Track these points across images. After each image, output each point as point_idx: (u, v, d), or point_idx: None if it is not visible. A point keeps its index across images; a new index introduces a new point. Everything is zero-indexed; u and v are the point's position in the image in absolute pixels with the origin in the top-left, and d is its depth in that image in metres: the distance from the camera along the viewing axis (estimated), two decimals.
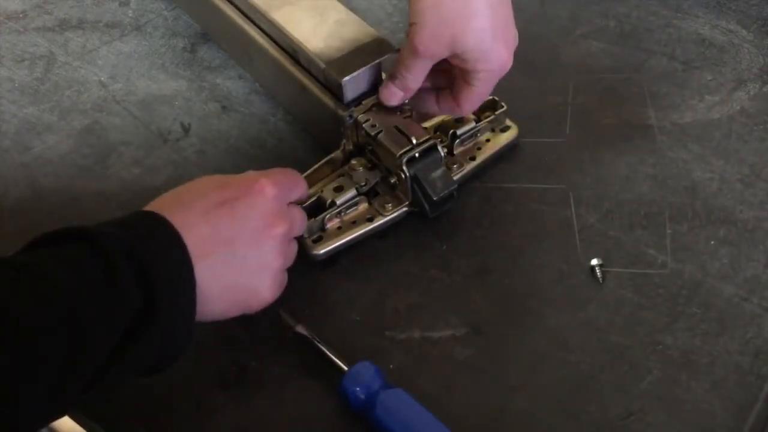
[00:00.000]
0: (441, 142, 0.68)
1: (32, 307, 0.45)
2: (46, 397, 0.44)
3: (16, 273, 0.46)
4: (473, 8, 0.59)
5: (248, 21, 0.76)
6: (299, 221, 0.61)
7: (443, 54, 0.61)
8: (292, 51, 0.72)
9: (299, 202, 0.63)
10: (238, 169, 0.60)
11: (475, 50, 0.61)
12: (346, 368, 0.58)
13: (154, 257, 0.49)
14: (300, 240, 0.64)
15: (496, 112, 0.73)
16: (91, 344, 0.46)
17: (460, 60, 0.62)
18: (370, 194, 0.69)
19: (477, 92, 0.64)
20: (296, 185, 0.61)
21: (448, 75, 0.65)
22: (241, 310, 0.57)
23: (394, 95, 0.65)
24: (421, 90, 0.66)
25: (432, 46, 0.61)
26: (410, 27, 0.60)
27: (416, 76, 0.64)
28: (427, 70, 0.63)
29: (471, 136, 0.72)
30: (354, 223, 0.67)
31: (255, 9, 0.73)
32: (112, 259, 0.48)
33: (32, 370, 0.43)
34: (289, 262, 0.60)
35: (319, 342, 0.60)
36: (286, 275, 0.60)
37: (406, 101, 0.67)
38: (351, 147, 0.70)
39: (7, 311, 0.44)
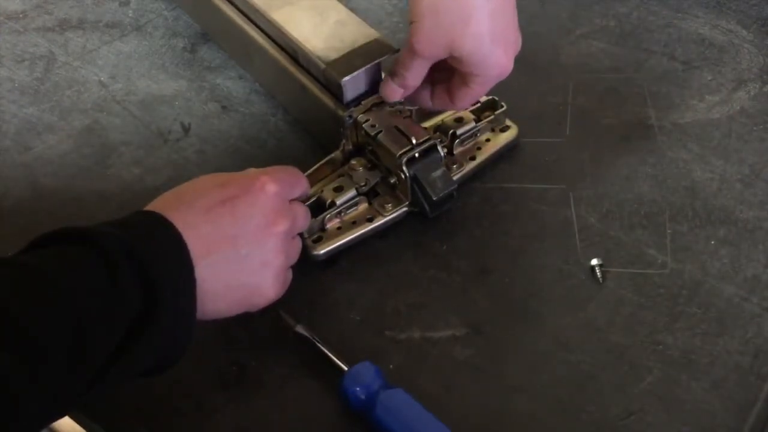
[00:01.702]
0: (441, 142, 0.68)
1: (32, 308, 0.45)
2: (47, 397, 0.44)
3: (17, 273, 0.46)
4: (471, 12, 0.59)
5: (248, 21, 0.76)
6: (302, 218, 0.61)
7: (441, 55, 0.61)
8: (292, 51, 0.72)
9: (301, 199, 0.63)
10: (238, 169, 0.60)
11: (473, 54, 0.61)
12: (346, 368, 0.58)
13: (155, 257, 0.50)
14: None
15: (496, 112, 0.73)
16: (92, 344, 0.46)
17: (458, 62, 0.62)
18: (370, 194, 0.69)
19: (473, 93, 0.65)
20: (297, 182, 0.61)
21: (446, 71, 0.65)
22: (244, 308, 0.57)
23: (394, 92, 0.66)
24: None
25: (429, 48, 0.61)
26: (410, 26, 0.60)
27: (415, 74, 0.64)
28: (426, 69, 0.64)
29: (471, 136, 0.72)
30: (354, 223, 0.67)
31: (255, 9, 0.73)
32: (113, 260, 0.48)
33: (32, 370, 0.43)
34: (293, 260, 0.60)
35: (319, 342, 0.60)
36: (290, 272, 0.60)
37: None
38: (351, 147, 0.70)
39: (7, 311, 0.44)
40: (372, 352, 0.61)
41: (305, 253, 0.64)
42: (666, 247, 0.66)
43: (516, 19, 0.63)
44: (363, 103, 0.68)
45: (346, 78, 0.66)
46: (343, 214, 0.67)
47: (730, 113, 0.76)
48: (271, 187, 0.57)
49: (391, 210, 0.68)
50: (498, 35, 0.61)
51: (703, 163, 0.72)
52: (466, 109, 0.69)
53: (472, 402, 0.59)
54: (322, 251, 0.66)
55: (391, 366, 0.60)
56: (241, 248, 0.55)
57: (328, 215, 0.67)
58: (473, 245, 0.68)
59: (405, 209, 0.68)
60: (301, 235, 0.63)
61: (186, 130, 0.78)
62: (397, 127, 0.67)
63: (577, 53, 0.82)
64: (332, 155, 0.70)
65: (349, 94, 0.68)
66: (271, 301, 0.58)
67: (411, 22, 0.60)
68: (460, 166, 0.71)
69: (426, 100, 0.68)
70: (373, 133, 0.67)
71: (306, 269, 0.64)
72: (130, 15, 0.90)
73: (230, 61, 0.84)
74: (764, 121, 0.75)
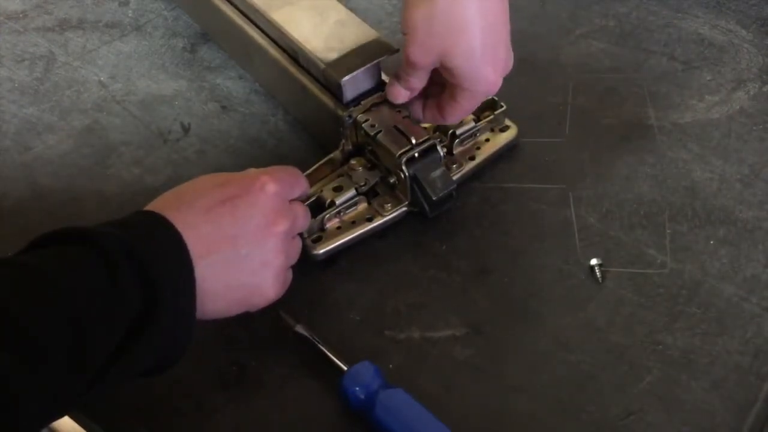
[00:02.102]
0: (440, 142, 0.68)
1: (32, 308, 0.45)
2: (47, 397, 0.44)
3: (17, 273, 0.46)
4: (464, 27, 0.60)
5: (248, 21, 0.76)
6: (302, 218, 0.61)
7: (435, 64, 0.62)
8: (292, 51, 0.72)
9: (301, 199, 0.63)
10: (238, 169, 0.60)
11: (462, 68, 0.61)
12: (345, 368, 0.58)
13: (155, 257, 0.50)
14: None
15: (496, 112, 0.73)
16: (92, 344, 0.46)
17: (449, 74, 0.63)
18: (370, 194, 0.69)
19: (460, 107, 0.65)
20: (297, 182, 0.61)
21: (438, 86, 0.66)
22: (244, 308, 0.57)
23: (400, 94, 0.67)
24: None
25: (422, 58, 0.62)
26: (404, 36, 0.61)
27: (417, 78, 0.65)
28: (428, 74, 0.64)
29: (470, 136, 0.72)
30: (353, 223, 0.67)
31: (255, 9, 0.73)
32: (113, 260, 0.48)
33: (32, 370, 0.43)
34: (293, 260, 0.60)
35: (319, 342, 0.60)
36: (290, 273, 0.60)
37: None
38: (350, 147, 0.70)
39: (7, 311, 0.44)
40: (372, 352, 0.61)
41: (305, 253, 0.64)
42: (666, 247, 0.66)
43: (508, 39, 0.63)
44: (363, 103, 0.68)
45: (346, 78, 0.66)
46: (342, 213, 0.67)
47: (730, 113, 0.76)
48: (271, 187, 0.57)
49: (390, 210, 0.68)
50: (488, 52, 0.61)
51: (703, 163, 0.72)
52: (455, 121, 0.69)
53: (472, 402, 0.59)
54: (322, 251, 0.66)
55: (391, 366, 0.60)
56: (241, 248, 0.55)
57: (328, 215, 0.67)
58: (473, 245, 0.68)
59: (404, 209, 0.68)
60: (300, 235, 0.63)
61: (186, 130, 0.78)
62: (396, 127, 0.67)
63: (577, 53, 0.82)
64: (332, 155, 0.70)
65: (349, 94, 0.68)
66: (271, 301, 0.58)
67: (404, 33, 0.61)
68: (460, 166, 0.71)
69: (418, 112, 0.69)
70: (372, 133, 0.67)
71: (306, 269, 0.64)
72: (130, 15, 0.90)
73: (230, 61, 0.84)
74: (764, 121, 0.75)
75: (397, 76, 0.66)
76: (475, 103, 0.66)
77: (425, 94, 0.68)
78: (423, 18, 0.60)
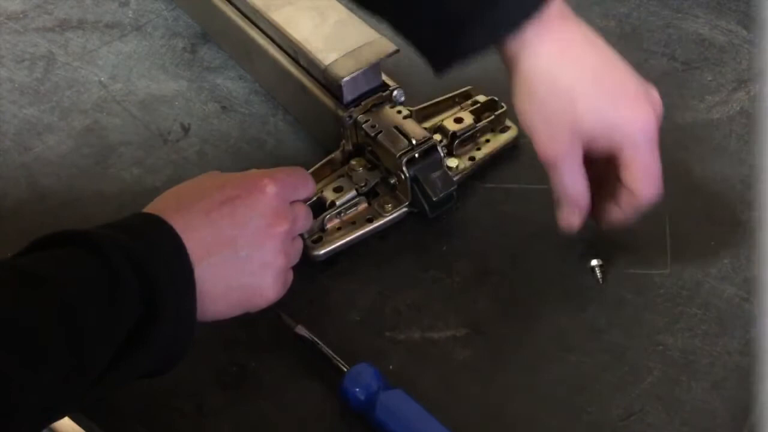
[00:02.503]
0: (440, 142, 0.68)
1: (33, 309, 0.45)
2: (47, 399, 0.44)
3: (17, 275, 0.46)
4: (576, 94, 0.55)
5: (248, 21, 0.76)
6: (303, 219, 0.61)
7: (576, 147, 0.57)
8: (292, 51, 0.72)
9: (305, 200, 0.63)
10: (238, 170, 0.60)
11: (600, 123, 0.56)
12: (346, 369, 0.58)
13: (154, 260, 0.49)
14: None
15: (496, 113, 0.73)
16: (92, 347, 0.46)
17: (597, 143, 0.57)
18: (370, 195, 0.69)
19: (637, 166, 0.57)
20: (303, 184, 0.61)
21: (604, 185, 0.60)
22: (244, 309, 0.57)
23: (572, 217, 0.61)
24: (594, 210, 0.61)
25: (559, 149, 0.57)
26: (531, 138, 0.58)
27: (571, 182, 0.58)
28: (577, 170, 0.58)
29: (471, 137, 0.72)
30: (354, 224, 0.67)
31: (255, 9, 0.73)
32: (113, 262, 0.48)
33: (32, 371, 0.43)
34: (294, 260, 0.60)
35: (319, 342, 0.60)
36: (291, 273, 0.60)
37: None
38: (350, 147, 0.70)
39: (6, 312, 0.44)
40: (372, 352, 0.61)
41: (305, 253, 0.64)
42: (666, 248, 0.66)
43: (631, 72, 0.58)
44: (363, 103, 0.68)
45: (346, 78, 0.66)
46: (343, 214, 0.67)
47: (730, 113, 0.76)
48: (272, 189, 0.57)
49: (391, 210, 0.68)
50: (612, 93, 0.56)
51: (703, 163, 0.72)
52: (652, 193, 0.58)
53: (472, 402, 0.59)
54: (322, 252, 0.66)
55: (391, 366, 0.60)
56: (241, 249, 0.55)
57: (328, 215, 0.67)
58: (473, 245, 0.68)
59: (405, 209, 0.68)
60: (301, 235, 0.63)
61: (186, 130, 0.78)
62: (397, 128, 0.67)
63: None
64: (332, 156, 0.70)
65: (349, 94, 0.68)
66: (271, 302, 0.58)
67: (529, 135, 0.58)
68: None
69: (610, 214, 0.61)
70: (372, 134, 0.67)
71: (306, 270, 0.64)
72: (130, 15, 0.90)
73: (230, 61, 0.84)
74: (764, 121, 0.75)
75: (556, 204, 0.60)
76: (646, 153, 0.57)
77: (603, 198, 0.60)
78: (537, 112, 0.56)
